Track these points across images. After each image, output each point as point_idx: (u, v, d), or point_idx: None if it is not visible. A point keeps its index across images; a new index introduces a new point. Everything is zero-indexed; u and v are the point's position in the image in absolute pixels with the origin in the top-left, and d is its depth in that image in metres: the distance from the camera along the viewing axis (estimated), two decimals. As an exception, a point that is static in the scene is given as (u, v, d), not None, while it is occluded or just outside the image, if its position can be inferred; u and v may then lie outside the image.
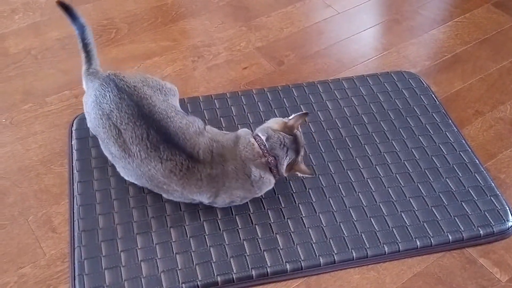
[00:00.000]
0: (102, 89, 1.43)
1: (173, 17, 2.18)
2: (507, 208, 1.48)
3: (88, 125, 1.50)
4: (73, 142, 1.63)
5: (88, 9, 2.21)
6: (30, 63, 1.95)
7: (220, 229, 1.42)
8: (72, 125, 1.68)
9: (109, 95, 1.41)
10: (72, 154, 1.59)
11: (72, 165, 1.56)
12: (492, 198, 1.50)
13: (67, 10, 1.60)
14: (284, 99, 1.80)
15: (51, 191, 1.53)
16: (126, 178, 1.46)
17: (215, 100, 1.79)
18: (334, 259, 1.37)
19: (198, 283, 1.31)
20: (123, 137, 1.37)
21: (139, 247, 1.37)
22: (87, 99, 1.48)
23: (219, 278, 1.32)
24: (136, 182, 1.45)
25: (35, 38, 2.06)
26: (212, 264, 1.35)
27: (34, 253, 1.39)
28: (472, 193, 1.51)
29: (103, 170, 1.54)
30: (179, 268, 1.34)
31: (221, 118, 1.72)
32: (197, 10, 2.23)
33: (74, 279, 1.31)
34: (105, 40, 2.06)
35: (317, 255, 1.37)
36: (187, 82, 1.90)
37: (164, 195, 1.45)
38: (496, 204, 1.49)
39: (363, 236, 1.41)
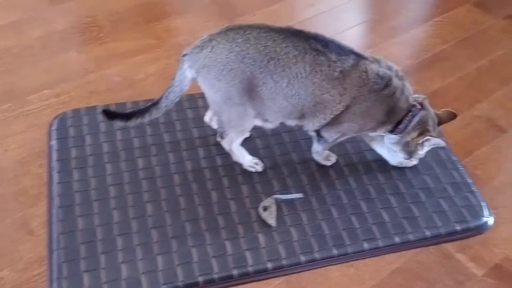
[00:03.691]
0: (240, 36, 1.34)
1: (157, 15, 2.18)
2: (483, 204, 1.51)
3: (225, 89, 1.38)
4: (52, 142, 1.62)
5: (71, 7, 2.20)
6: (10, 62, 1.94)
7: (202, 229, 1.43)
8: (52, 125, 1.67)
9: (251, 36, 1.33)
10: (51, 154, 1.58)
11: (51, 166, 1.55)
12: (468, 194, 1.53)
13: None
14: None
15: (29, 192, 1.52)
16: (272, 119, 1.45)
17: (198, 100, 1.79)
18: (315, 256, 1.38)
19: (179, 284, 1.32)
20: (282, 64, 1.33)
21: (119, 249, 1.37)
22: (217, 65, 1.36)
23: (200, 279, 1.33)
24: (281, 117, 1.44)
25: (16, 36, 2.05)
26: (194, 264, 1.35)
27: (11, 257, 1.38)
28: (449, 190, 1.54)
29: (83, 171, 1.54)
30: (160, 269, 1.34)
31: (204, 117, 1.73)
32: (181, 8, 2.23)
33: (52, 283, 1.30)
34: (88, 38, 2.05)
35: (298, 253, 1.39)
36: (170, 80, 1.89)
37: (302, 122, 1.45)
38: (472, 200, 1.51)
39: (344, 233, 1.43)
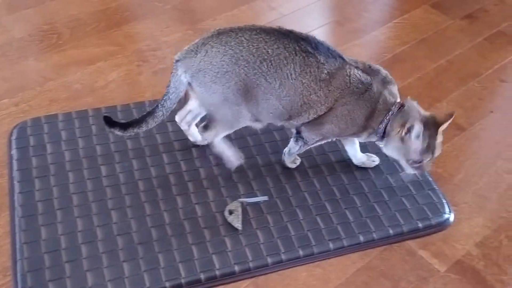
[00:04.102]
0: (232, 39, 1.37)
1: (118, 21, 2.15)
2: (444, 201, 1.55)
3: (223, 93, 1.40)
4: (12, 152, 1.58)
5: (29, 14, 2.15)
6: (-33, 71, 1.89)
7: (168, 234, 1.42)
8: (12, 135, 1.63)
9: (243, 38, 1.37)
10: (12, 164, 1.55)
11: (12, 176, 1.52)
12: (430, 192, 1.57)
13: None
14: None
15: (-10, 203, 1.48)
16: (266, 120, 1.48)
17: (161, 105, 1.78)
18: (282, 258, 1.40)
19: (146, 289, 1.31)
20: (274, 65, 1.36)
21: (84, 257, 1.35)
22: (212, 69, 1.38)
23: (167, 284, 1.32)
24: (270, 119, 1.47)
25: (-27, 45, 2.00)
26: (161, 270, 1.34)
27: (-26, 269, 1.35)
28: (411, 188, 1.58)
29: (45, 180, 1.51)
30: (127, 276, 1.33)
31: (167, 123, 1.72)
32: (142, 13, 2.21)
33: (17, 293, 1.28)
34: (46, 45, 2.01)
35: (265, 255, 1.39)
36: (132, 87, 1.88)
37: (285, 123, 1.48)
38: (434, 198, 1.55)
39: (309, 234, 1.45)
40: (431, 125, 1.40)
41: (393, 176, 1.60)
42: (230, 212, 1.46)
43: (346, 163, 1.64)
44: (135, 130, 1.48)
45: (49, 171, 1.54)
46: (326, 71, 1.38)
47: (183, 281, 1.33)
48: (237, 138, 1.68)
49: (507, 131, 1.81)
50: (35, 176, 1.52)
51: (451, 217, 1.53)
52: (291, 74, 1.37)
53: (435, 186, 1.59)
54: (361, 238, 1.45)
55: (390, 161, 1.64)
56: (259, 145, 1.67)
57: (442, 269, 1.42)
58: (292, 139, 1.55)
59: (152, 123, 1.48)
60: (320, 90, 1.39)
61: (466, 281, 1.40)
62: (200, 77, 1.40)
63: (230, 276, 1.36)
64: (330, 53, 1.39)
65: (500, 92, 2.00)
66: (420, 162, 1.43)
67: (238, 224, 1.44)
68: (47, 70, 1.92)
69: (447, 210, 1.53)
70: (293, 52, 1.36)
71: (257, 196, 1.52)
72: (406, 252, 1.45)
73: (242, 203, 1.48)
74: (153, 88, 1.87)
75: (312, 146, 1.55)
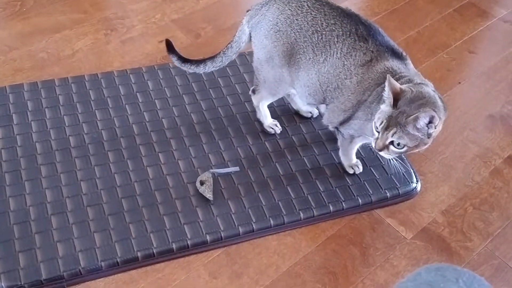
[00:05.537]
0: (295, 1, 1.39)
1: (83, -12, 2.09)
2: (411, 171, 1.58)
3: (266, 52, 1.44)
4: (-24, 122, 1.54)
5: (-10, -20, 2.06)
6: None
7: (139, 205, 1.42)
8: (-25, 105, 1.59)
9: (305, 4, 1.39)
10: (-24, 135, 1.51)
11: (-23, 147, 1.48)
12: (397, 162, 1.59)
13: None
14: (202, 73, 1.79)
15: (-45, 175, 1.44)
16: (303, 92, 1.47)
17: (130, 75, 1.75)
18: (253, 227, 1.41)
19: (118, 259, 1.31)
20: (324, 39, 1.36)
21: (54, 228, 1.34)
22: (268, 23, 1.41)
23: (139, 254, 1.33)
24: (305, 94, 1.46)
25: None
26: (132, 240, 1.35)
27: None
28: (380, 158, 1.60)
29: (11, 151, 1.48)
30: (98, 246, 1.32)
31: (137, 94, 1.69)
32: (109, -20, 2.14)
33: (-15, 265, 1.27)
34: (10, 13, 1.94)
35: (236, 225, 1.41)
36: (100, 56, 1.84)
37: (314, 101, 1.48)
38: (401, 168, 1.58)
39: (280, 204, 1.46)
40: None
41: (362, 147, 1.63)
42: (202, 183, 1.46)
43: (317, 134, 1.65)
44: (193, 68, 1.56)
45: (16, 142, 1.51)
46: (369, 58, 1.34)
47: (154, 251, 1.34)
48: (208, 109, 1.67)
49: (474, 102, 1.85)
50: (2, 147, 1.49)
51: (418, 186, 1.56)
52: (336, 53, 1.36)
53: (403, 156, 1.62)
54: (331, 208, 1.47)
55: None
56: (230, 116, 1.66)
57: (408, 236, 1.47)
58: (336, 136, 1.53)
59: (210, 67, 1.55)
60: (355, 76, 1.35)
61: (431, 247, 1.45)
62: (257, 29, 1.43)
63: (202, 246, 1.37)
64: (384, 43, 1.35)
65: (469, 64, 2.04)
66: None
67: (209, 195, 1.44)
68: (11, 39, 1.85)
69: (414, 179, 1.57)
70: (347, 33, 1.35)
71: (228, 167, 1.52)
72: (374, 220, 1.49)
73: (213, 173, 1.49)
74: (122, 58, 1.84)
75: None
